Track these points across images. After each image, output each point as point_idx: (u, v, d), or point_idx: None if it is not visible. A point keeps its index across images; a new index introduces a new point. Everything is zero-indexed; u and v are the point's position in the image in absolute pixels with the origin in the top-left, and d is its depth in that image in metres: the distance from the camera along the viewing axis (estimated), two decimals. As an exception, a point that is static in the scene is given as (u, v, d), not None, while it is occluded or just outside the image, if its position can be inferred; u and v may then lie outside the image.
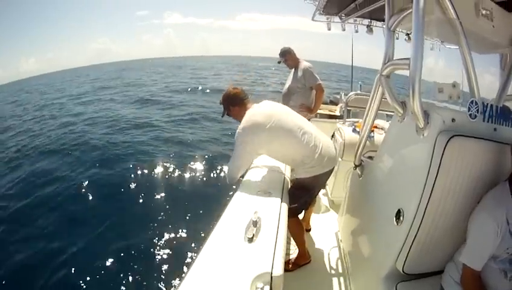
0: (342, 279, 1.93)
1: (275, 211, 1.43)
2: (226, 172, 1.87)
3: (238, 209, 1.44)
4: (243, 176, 1.91)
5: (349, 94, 3.58)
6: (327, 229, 2.51)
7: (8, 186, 5.67)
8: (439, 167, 1.08)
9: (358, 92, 3.85)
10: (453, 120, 1.15)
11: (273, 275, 1.00)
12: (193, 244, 3.55)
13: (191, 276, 0.97)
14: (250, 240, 1.16)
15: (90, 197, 4.93)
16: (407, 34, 2.69)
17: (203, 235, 3.57)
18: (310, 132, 1.77)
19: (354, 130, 2.78)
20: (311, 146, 1.73)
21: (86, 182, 5.37)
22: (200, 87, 18.26)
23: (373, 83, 1.70)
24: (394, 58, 1.44)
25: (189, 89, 17.94)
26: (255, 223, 1.25)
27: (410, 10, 1.19)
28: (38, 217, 4.42)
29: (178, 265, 3.22)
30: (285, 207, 1.55)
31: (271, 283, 1.00)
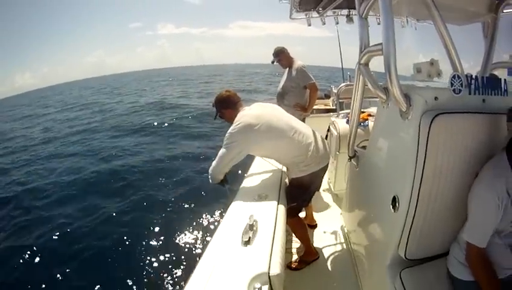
0: (350, 272, 1.90)
1: (271, 213, 1.44)
2: (210, 171, 1.78)
3: (235, 215, 1.45)
4: (240, 183, 1.89)
5: (340, 86, 3.56)
6: (333, 223, 2.48)
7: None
8: (426, 148, 1.04)
9: (348, 82, 3.82)
10: (435, 98, 1.10)
11: (270, 274, 1.01)
12: (196, 250, 3.56)
13: (189, 286, 0.99)
14: (247, 243, 1.18)
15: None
16: None
17: (206, 239, 3.63)
18: (301, 132, 1.77)
19: (347, 122, 2.75)
20: (303, 145, 1.73)
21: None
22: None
23: None
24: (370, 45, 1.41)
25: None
26: (251, 227, 1.27)
27: None
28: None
29: (180, 272, 3.23)
30: (282, 208, 1.55)
31: (270, 283, 1.01)
